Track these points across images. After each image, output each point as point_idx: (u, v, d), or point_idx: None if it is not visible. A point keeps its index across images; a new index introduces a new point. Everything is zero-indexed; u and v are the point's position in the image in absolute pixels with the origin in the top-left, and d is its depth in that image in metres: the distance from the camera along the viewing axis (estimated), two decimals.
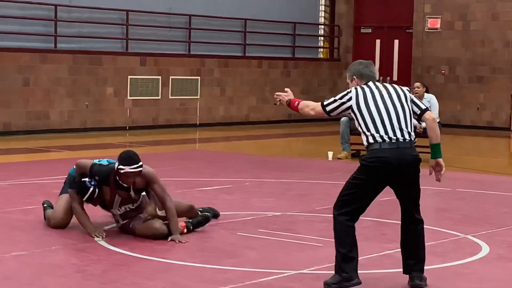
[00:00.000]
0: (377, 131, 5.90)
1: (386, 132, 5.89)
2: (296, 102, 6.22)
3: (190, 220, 7.58)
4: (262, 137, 18.75)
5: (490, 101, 21.48)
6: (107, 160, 7.59)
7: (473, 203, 9.95)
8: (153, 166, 11.82)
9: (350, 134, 14.08)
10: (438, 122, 13.73)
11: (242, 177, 11.44)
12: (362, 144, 15.20)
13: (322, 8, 24.26)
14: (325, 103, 6.11)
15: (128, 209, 7.41)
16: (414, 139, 6.04)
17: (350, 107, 6.02)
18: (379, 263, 6.71)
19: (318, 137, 18.95)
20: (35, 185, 10.53)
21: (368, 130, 5.93)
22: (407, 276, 6.13)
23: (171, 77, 19.61)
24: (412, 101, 6.15)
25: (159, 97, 19.44)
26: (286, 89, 6.43)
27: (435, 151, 6.32)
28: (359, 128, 6.02)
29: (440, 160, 6.38)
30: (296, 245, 7.24)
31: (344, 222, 5.97)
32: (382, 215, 8.97)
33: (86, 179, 7.29)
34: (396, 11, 22.85)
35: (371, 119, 5.93)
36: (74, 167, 7.53)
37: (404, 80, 22.30)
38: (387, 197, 10.00)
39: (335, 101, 6.09)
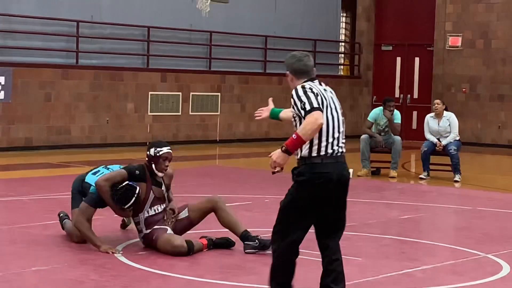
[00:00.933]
0: (327, 141, 5.35)
1: (332, 145, 5.36)
2: (294, 136, 5.42)
3: (213, 239, 7.55)
4: None
5: (511, 119, 21.37)
6: (103, 167, 7.76)
7: (494, 222, 9.89)
8: (173, 182, 11.85)
9: (371, 152, 14.05)
10: (458, 140, 13.80)
11: (262, 194, 11.43)
12: (383, 161, 15.09)
13: (343, 25, 24.30)
14: (311, 106, 5.31)
15: (156, 212, 7.45)
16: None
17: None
18: (399, 281, 6.68)
19: None
20: (55, 200, 10.57)
21: (319, 138, 5.33)
22: None
23: (191, 93, 19.67)
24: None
25: (180, 113, 19.50)
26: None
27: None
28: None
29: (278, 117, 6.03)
30: (315, 262, 7.19)
31: (292, 259, 5.41)
32: (402, 233, 8.94)
33: (126, 182, 7.36)
34: (417, 29, 22.82)
35: (326, 126, 5.34)
36: (95, 186, 7.51)
37: (425, 98, 22.28)
38: (407, 215, 9.99)
39: (306, 93, 5.35)
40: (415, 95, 22.87)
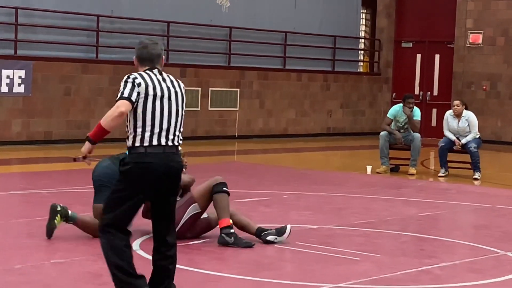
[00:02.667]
0: (152, 132, 5.26)
1: (160, 136, 5.27)
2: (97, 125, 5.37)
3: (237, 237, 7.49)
4: (300, 150, 18.72)
5: None
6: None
7: None
8: None
9: (390, 149, 14.01)
10: (479, 138, 13.72)
11: (280, 190, 11.42)
12: (402, 158, 15.04)
13: (363, 22, 24.24)
14: (120, 95, 5.26)
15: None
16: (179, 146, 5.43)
17: (138, 93, 5.27)
18: (417, 278, 6.65)
19: (356, 151, 18.87)
20: (74, 193, 10.61)
21: (142, 128, 5.26)
22: None
23: (210, 88, 19.68)
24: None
25: (199, 109, 19.51)
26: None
27: None
28: (128, 125, 5.32)
29: None
30: (333, 258, 7.20)
31: (124, 250, 5.35)
32: (421, 230, 8.91)
33: None
34: (437, 26, 22.73)
35: (151, 116, 5.26)
36: None
37: (445, 95, 22.18)
38: (425, 213, 9.95)
39: (126, 83, 5.29)
40: (435, 93, 22.78)
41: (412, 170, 13.87)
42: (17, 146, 16.10)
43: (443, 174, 13.71)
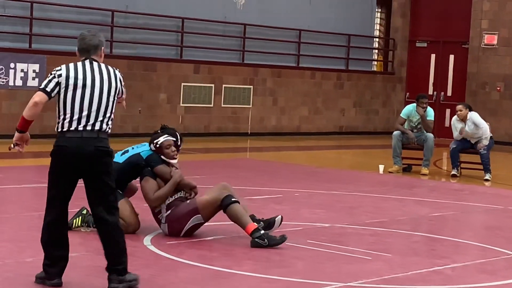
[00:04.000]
0: (71, 118, 5.64)
1: (79, 122, 5.63)
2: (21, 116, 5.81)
3: (266, 232, 7.37)
4: (313, 148, 18.71)
5: None
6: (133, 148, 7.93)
7: None
8: (204, 174, 11.89)
9: (403, 148, 13.98)
10: (491, 138, 13.67)
11: (292, 188, 11.41)
12: (415, 158, 15.02)
13: (377, 21, 24.19)
14: (39, 87, 5.74)
15: (174, 198, 7.61)
16: (106, 131, 5.72)
17: (59, 84, 5.69)
18: (428, 279, 6.63)
19: (369, 150, 18.84)
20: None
21: (63, 115, 5.67)
22: None
23: (224, 85, 19.68)
24: (122, 83, 5.91)
25: (212, 105, 19.52)
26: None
27: None
28: (56, 111, 5.71)
29: None
30: (344, 257, 7.19)
31: (48, 227, 5.80)
32: (433, 230, 8.89)
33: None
34: (452, 26, 22.65)
35: (71, 104, 5.64)
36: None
37: (459, 95, 22.10)
38: (437, 213, 9.93)
39: (50, 75, 5.75)
40: (449, 93, 22.72)
41: (425, 170, 13.84)
42: (30, 140, 16.12)
43: (456, 174, 13.67)
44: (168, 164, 7.73)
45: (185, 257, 6.83)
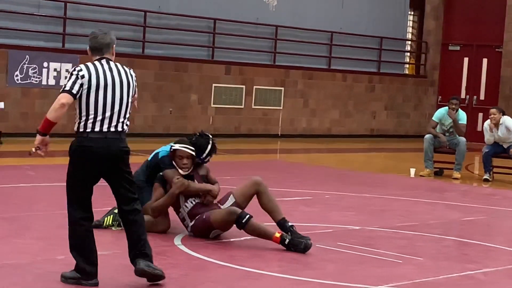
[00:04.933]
0: (95, 119, 5.68)
1: (102, 122, 5.69)
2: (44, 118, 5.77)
3: (290, 237, 7.26)
4: (343, 150, 18.65)
5: None
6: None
7: None
8: (234, 175, 11.90)
9: (434, 152, 13.89)
10: None
11: (322, 190, 11.38)
12: (447, 162, 14.91)
13: (410, 24, 24.07)
14: (63, 89, 5.69)
15: (194, 203, 7.45)
16: (126, 131, 5.84)
17: (82, 85, 5.67)
18: (459, 283, 6.58)
19: (400, 153, 18.75)
20: None
21: (86, 115, 5.69)
22: None
23: (255, 86, 19.69)
24: (135, 82, 5.96)
25: (242, 106, 19.53)
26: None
27: None
28: (77, 111, 5.72)
29: None
30: (375, 260, 7.16)
31: (81, 222, 5.86)
32: (464, 235, 8.82)
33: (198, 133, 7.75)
34: (486, 30, 22.48)
35: (94, 105, 5.67)
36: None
37: (492, 100, 21.93)
38: (469, 217, 9.86)
39: (71, 75, 5.71)
40: (482, 97, 22.55)
41: (457, 174, 13.74)
42: (62, 139, 16.21)
43: (488, 178, 13.57)
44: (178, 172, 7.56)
45: (215, 257, 6.83)
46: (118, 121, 5.76)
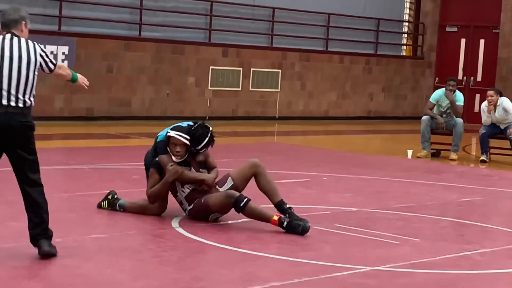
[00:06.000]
0: None
1: (1, 97, 5.74)
2: None
3: (288, 219, 7.26)
4: (341, 132, 18.66)
5: None
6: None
7: None
8: (231, 157, 11.91)
9: (431, 133, 13.91)
10: None
11: (319, 172, 11.40)
12: (444, 143, 14.92)
13: (407, 5, 24.01)
14: None
15: (190, 189, 7.45)
16: (29, 106, 5.85)
17: None
18: (457, 264, 6.61)
19: (397, 135, 18.76)
20: (115, 170, 10.69)
21: None
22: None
23: (252, 69, 19.66)
24: (43, 58, 6.00)
25: (239, 89, 19.51)
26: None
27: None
28: None
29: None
30: (372, 241, 7.18)
31: None
32: (461, 216, 8.85)
33: (198, 123, 7.65)
34: (483, 11, 22.44)
35: None
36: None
37: (489, 81, 21.93)
38: (466, 198, 9.88)
39: None
40: (479, 78, 22.54)
41: (454, 156, 13.76)
42: (59, 122, 16.24)
43: (485, 159, 13.59)
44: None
45: (213, 239, 6.85)
46: (18, 96, 5.78)
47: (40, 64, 5.96)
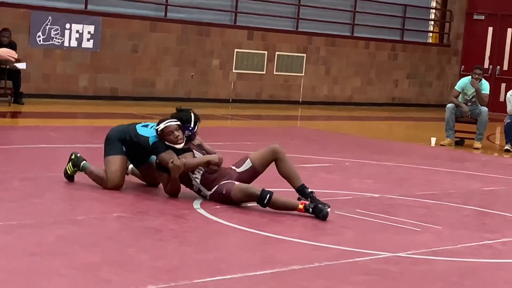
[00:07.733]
0: None
1: None
2: None
3: (313, 205, 7.25)
4: (364, 118, 18.60)
5: None
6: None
7: None
8: (254, 140, 11.90)
9: (456, 122, 13.83)
10: None
11: (342, 157, 11.37)
12: (468, 132, 14.89)
13: None
14: None
15: (201, 172, 7.45)
16: None
17: None
18: (478, 252, 6.57)
19: (421, 122, 18.68)
20: None
21: None
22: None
23: (277, 52, 19.62)
24: None
25: (264, 72, 19.48)
26: None
27: None
28: None
29: None
30: (393, 228, 7.16)
31: None
32: (484, 205, 8.80)
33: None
34: None
35: None
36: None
37: None
38: (489, 187, 9.83)
39: None
40: (505, 67, 22.38)
41: (478, 144, 13.69)
42: (83, 101, 16.30)
43: (509, 149, 13.51)
44: (175, 149, 7.49)
45: (235, 221, 6.85)
46: None
47: None
